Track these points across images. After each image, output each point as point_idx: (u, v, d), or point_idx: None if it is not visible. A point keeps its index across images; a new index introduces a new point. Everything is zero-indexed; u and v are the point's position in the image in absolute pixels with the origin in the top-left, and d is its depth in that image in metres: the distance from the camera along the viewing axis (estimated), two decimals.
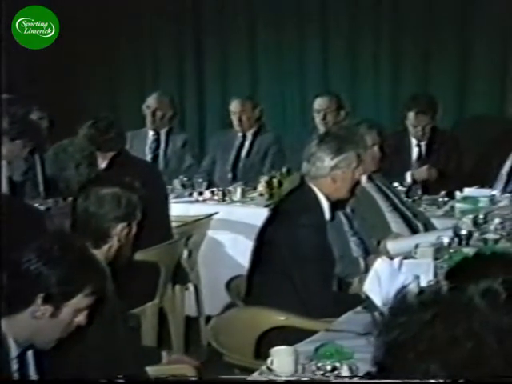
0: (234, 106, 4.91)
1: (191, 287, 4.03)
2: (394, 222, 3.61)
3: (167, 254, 3.55)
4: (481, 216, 3.62)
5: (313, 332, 2.48)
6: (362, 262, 3.15)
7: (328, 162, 2.97)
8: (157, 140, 4.99)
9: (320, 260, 2.86)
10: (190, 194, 4.46)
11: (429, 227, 3.70)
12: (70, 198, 2.68)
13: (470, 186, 4.13)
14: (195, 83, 5.87)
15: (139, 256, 3.17)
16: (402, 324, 1.20)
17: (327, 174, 2.97)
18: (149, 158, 4.90)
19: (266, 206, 3.92)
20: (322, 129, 4.69)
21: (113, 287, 2.27)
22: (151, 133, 5.00)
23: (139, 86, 5.85)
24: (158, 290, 3.45)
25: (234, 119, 4.91)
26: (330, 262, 2.92)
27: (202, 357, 2.93)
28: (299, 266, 2.83)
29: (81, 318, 1.88)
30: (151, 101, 4.95)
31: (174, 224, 3.83)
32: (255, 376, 2.14)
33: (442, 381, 1.18)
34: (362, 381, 1.99)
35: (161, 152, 4.97)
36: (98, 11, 5.71)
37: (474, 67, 5.17)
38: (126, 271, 2.53)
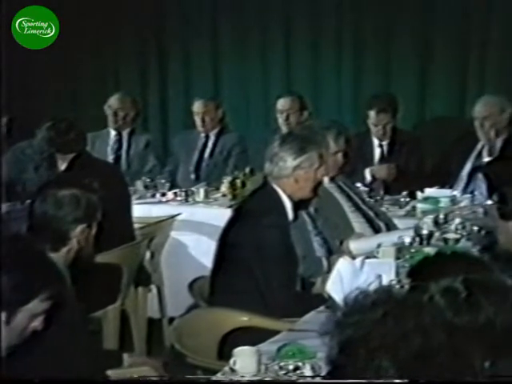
0: (197, 106, 4.89)
1: (154, 289, 4.01)
2: (357, 222, 3.63)
3: (129, 256, 3.52)
4: (441, 216, 3.66)
5: (276, 332, 2.48)
6: (325, 262, 3.16)
7: (290, 162, 2.98)
8: (119, 141, 4.94)
9: (283, 260, 2.86)
10: (153, 195, 4.43)
11: (391, 227, 3.73)
12: (28, 201, 2.63)
13: (431, 186, 4.18)
14: (158, 84, 5.83)
15: (101, 258, 3.13)
16: (354, 323, 1.22)
17: (290, 174, 2.98)
18: (111, 158, 4.85)
19: (230, 207, 3.91)
20: (285, 129, 4.70)
21: (72, 291, 2.24)
22: (113, 133, 4.95)
23: (101, 86, 5.79)
24: (120, 292, 3.41)
25: (197, 120, 4.90)
26: (293, 262, 2.92)
27: (164, 358, 2.91)
28: (262, 266, 2.83)
29: (36, 324, 1.84)
30: (113, 101, 4.90)
31: (136, 225, 3.80)
32: (217, 377, 2.13)
33: (406, 380, 1.20)
34: (324, 381, 1.99)
35: (123, 153, 4.92)
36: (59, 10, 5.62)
37: (435, 69, 5.24)
38: (87, 274, 2.50)
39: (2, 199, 2.98)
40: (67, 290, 2.14)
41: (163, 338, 3.84)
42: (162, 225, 4.12)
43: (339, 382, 1.27)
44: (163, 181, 4.51)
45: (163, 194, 4.41)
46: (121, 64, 5.87)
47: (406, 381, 1.19)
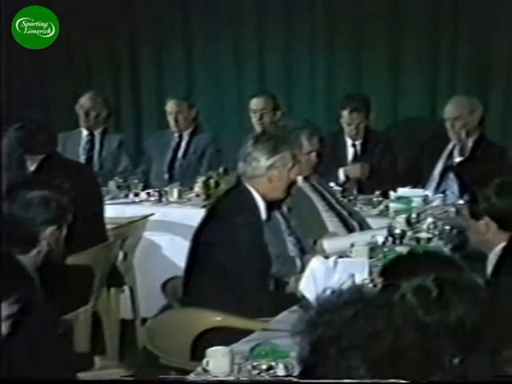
0: (170, 106, 4.87)
1: (127, 290, 3.98)
2: (330, 222, 3.64)
3: (101, 257, 3.49)
4: (414, 215, 3.69)
5: (249, 332, 2.47)
6: (298, 262, 3.16)
7: (264, 161, 2.98)
8: (91, 141, 4.90)
9: (256, 259, 2.86)
10: (126, 196, 4.40)
11: (364, 226, 3.75)
12: None
13: (403, 186, 4.21)
14: (130, 83, 5.79)
15: (72, 260, 3.10)
16: (326, 322, 1.23)
17: (263, 173, 2.98)
18: (83, 159, 4.81)
19: (203, 207, 3.90)
20: (258, 129, 4.70)
21: (41, 293, 2.21)
22: (85, 133, 4.91)
23: (72, 86, 5.73)
24: (91, 293, 3.38)
25: (170, 119, 4.88)
26: (266, 262, 2.92)
27: (137, 360, 2.89)
28: (236, 266, 2.83)
29: (3, 328, 1.81)
30: (84, 100, 4.86)
31: (109, 226, 3.77)
32: (191, 377, 2.12)
33: (377, 381, 1.20)
34: (299, 380, 1.99)
35: (95, 153, 4.88)
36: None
37: (406, 70, 5.28)
38: (58, 276, 2.47)
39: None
40: (36, 292, 2.11)
41: (136, 340, 3.82)
42: (135, 225, 4.09)
43: (311, 382, 1.28)
44: (136, 181, 4.48)
45: (136, 195, 4.38)
46: (92, 63, 5.81)
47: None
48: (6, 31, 3.08)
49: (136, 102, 5.81)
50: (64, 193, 2.45)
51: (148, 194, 4.36)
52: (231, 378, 2.08)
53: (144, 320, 3.58)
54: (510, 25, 5.06)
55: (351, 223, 3.71)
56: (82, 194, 3.18)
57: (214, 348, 2.16)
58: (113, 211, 4.02)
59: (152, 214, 4.17)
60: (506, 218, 2.48)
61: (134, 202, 4.33)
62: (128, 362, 2.52)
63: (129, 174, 4.65)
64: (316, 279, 2.52)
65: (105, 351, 3.45)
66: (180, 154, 4.90)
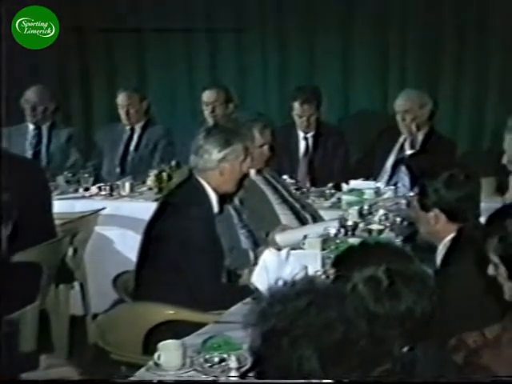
0: (121, 98, 4.80)
1: (77, 286, 3.91)
2: (283, 214, 3.65)
3: (49, 254, 3.41)
4: (366, 207, 3.72)
5: (203, 325, 2.46)
6: (251, 254, 3.16)
7: (215, 154, 2.97)
8: (38, 135, 4.80)
9: (209, 252, 2.85)
10: (76, 190, 4.33)
11: (317, 218, 3.77)
12: None
13: (355, 178, 4.24)
14: (79, 76, 5.69)
15: (19, 257, 3.02)
16: (278, 313, 1.23)
17: (215, 166, 2.97)
18: (30, 154, 4.70)
19: (156, 200, 3.86)
20: (211, 122, 4.68)
21: None
22: (32, 127, 4.80)
23: (18, 80, 5.58)
24: (39, 291, 3.30)
25: (122, 112, 4.81)
26: (219, 254, 2.91)
27: (87, 356, 2.85)
28: (188, 259, 2.81)
29: None
30: (30, 94, 4.75)
31: (58, 222, 3.69)
32: (141, 372, 2.10)
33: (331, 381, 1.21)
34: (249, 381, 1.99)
35: (43, 147, 4.78)
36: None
37: (357, 63, 5.32)
38: (2, 274, 2.41)
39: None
40: None
41: (87, 336, 3.76)
42: (86, 220, 4.02)
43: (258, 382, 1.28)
44: (87, 175, 4.41)
45: (86, 189, 4.31)
46: (39, 56, 5.68)
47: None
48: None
49: (86, 94, 5.71)
50: (6, 189, 2.38)
51: (99, 188, 4.30)
52: (182, 372, 2.06)
53: (95, 316, 3.52)
54: (459, 20, 5.15)
55: (304, 216, 3.73)
56: (28, 190, 3.11)
57: (166, 342, 2.14)
58: (62, 206, 3.95)
59: (103, 209, 4.11)
60: (454, 209, 2.52)
61: (84, 197, 4.27)
62: (77, 360, 2.47)
63: (78, 169, 4.57)
64: (268, 271, 2.52)
65: (53, 349, 3.39)
66: (132, 147, 4.84)
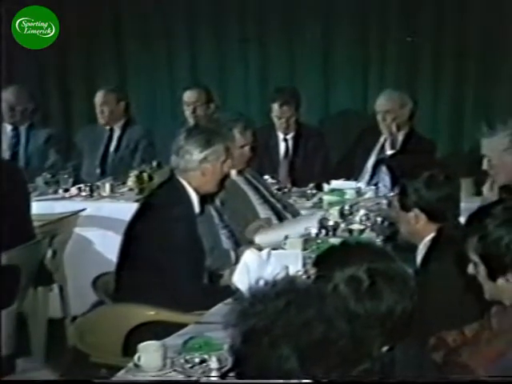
0: (97, 98, 4.77)
1: (56, 288, 3.87)
2: (265, 215, 3.64)
3: (28, 256, 3.37)
4: (347, 207, 3.73)
5: (183, 325, 2.45)
6: (232, 254, 3.16)
7: (196, 155, 2.96)
8: (16, 136, 4.76)
9: (190, 253, 2.84)
10: (55, 191, 4.29)
11: None
12: None
13: (336, 178, 4.25)
14: (58, 76, 5.64)
15: None
16: (258, 312, 1.22)
17: (196, 167, 2.96)
18: (7, 155, 4.65)
19: (137, 201, 3.84)
20: (192, 122, 4.67)
21: None
22: (9, 128, 4.76)
23: None
24: (16, 294, 3.26)
25: (97, 111, 4.78)
26: (200, 255, 2.91)
27: (66, 359, 2.82)
28: (169, 260, 2.79)
29: None
30: (8, 95, 4.70)
31: (37, 223, 3.65)
32: (121, 374, 2.08)
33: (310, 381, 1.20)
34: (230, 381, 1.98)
35: (21, 148, 4.74)
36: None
37: (337, 64, 5.33)
38: None
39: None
40: None
41: (65, 339, 3.72)
42: (65, 221, 3.99)
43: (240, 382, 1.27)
44: (66, 176, 4.37)
45: (66, 190, 4.27)
46: (16, 56, 5.62)
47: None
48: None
49: (65, 95, 5.66)
50: None
51: (79, 189, 4.26)
52: (163, 372, 2.04)
53: (74, 318, 3.49)
54: (439, 22, 5.18)
55: (285, 216, 3.73)
56: (6, 191, 3.07)
57: (146, 343, 2.13)
58: (41, 208, 3.91)
59: (83, 210, 4.08)
60: (434, 209, 2.53)
61: (64, 198, 4.23)
62: (55, 363, 2.44)
63: (58, 170, 4.53)
64: (249, 271, 2.52)
65: (31, 353, 3.34)
66: (112, 147, 4.81)
